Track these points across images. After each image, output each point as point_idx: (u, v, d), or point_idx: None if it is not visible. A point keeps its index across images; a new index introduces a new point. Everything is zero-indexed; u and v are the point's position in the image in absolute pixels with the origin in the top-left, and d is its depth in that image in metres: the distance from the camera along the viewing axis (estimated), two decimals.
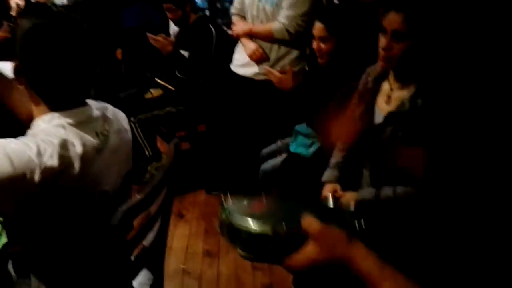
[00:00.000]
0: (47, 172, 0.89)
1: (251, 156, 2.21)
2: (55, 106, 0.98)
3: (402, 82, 1.36)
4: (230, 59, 2.49)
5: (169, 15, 2.69)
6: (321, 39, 1.79)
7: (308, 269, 0.63)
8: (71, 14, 0.98)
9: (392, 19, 1.28)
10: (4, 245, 1.26)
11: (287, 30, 2.20)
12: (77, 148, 0.94)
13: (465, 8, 1.33)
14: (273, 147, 2.12)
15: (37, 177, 0.88)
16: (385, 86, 1.42)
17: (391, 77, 1.40)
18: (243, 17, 2.40)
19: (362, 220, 0.69)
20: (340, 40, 1.78)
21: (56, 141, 0.92)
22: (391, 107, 1.36)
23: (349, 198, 1.46)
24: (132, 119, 2.41)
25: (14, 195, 0.90)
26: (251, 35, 2.32)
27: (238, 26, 2.39)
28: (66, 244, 0.99)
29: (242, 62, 2.40)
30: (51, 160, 0.90)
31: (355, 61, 1.65)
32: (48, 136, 0.93)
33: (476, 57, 1.26)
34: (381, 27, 1.31)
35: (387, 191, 1.37)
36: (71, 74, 0.96)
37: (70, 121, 0.96)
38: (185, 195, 2.67)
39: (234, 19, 2.45)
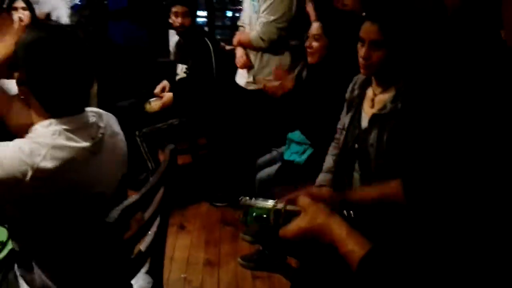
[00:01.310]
0: (40, 173, 0.95)
1: (248, 166, 2.28)
2: (54, 113, 1.04)
3: (384, 86, 1.44)
4: (228, 73, 2.60)
5: (177, 21, 2.61)
6: (315, 37, 1.88)
7: (296, 241, 0.78)
8: (70, 29, 1.06)
9: (368, 29, 1.37)
10: (11, 250, 1.33)
11: (261, 38, 2.30)
12: (71, 151, 1.00)
13: (437, 16, 1.42)
14: (268, 156, 2.19)
15: (28, 178, 0.94)
16: (369, 92, 1.50)
17: (374, 83, 1.48)
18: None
19: (351, 211, 0.86)
20: (332, 41, 1.87)
21: (50, 144, 0.98)
22: (375, 110, 1.43)
23: None
24: (137, 133, 2.48)
25: (9, 196, 0.96)
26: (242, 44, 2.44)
27: (235, 37, 2.51)
28: (64, 242, 1.05)
29: (239, 72, 2.54)
30: (45, 161, 0.95)
31: (343, 67, 1.73)
32: (44, 139, 0.99)
33: (451, 58, 1.33)
34: (359, 38, 1.40)
35: None
36: (71, 83, 1.04)
37: (66, 127, 1.02)
38: (186, 207, 2.72)
39: (239, 30, 2.58)
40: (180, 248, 2.37)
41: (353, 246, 0.69)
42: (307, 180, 1.71)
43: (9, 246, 1.33)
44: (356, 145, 1.52)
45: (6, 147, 0.96)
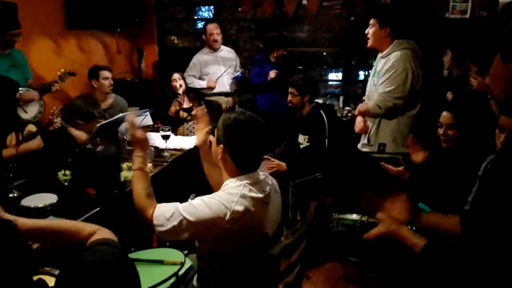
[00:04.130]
0: (234, 214, 1.36)
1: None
2: (242, 171, 1.46)
3: None
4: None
5: (292, 100, 3.02)
6: (449, 126, 2.06)
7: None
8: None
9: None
10: (187, 269, 1.77)
11: (378, 105, 2.66)
12: (252, 200, 1.40)
13: None
14: None
15: (227, 217, 1.35)
16: None
17: None
18: None
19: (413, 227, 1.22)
20: (466, 127, 2.03)
21: (240, 194, 1.40)
22: None
23: None
24: (291, 183, 2.86)
25: (214, 231, 1.38)
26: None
27: (357, 108, 2.96)
28: (238, 269, 1.43)
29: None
30: (237, 206, 1.37)
31: (476, 148, 1.86)
32: (235, 190, 1.42)
33: None
34: (498, 125, 1.55)
35: None
36: (256, 150, 1.46)
37: (248, 181, 1.43)
38: (313, 260, 2.96)
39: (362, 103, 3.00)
40: None
41: (416, 240, 1.11)
42: None
43: (186, 265, 1.78)
44: None
45: (211, 198, 1.41)
